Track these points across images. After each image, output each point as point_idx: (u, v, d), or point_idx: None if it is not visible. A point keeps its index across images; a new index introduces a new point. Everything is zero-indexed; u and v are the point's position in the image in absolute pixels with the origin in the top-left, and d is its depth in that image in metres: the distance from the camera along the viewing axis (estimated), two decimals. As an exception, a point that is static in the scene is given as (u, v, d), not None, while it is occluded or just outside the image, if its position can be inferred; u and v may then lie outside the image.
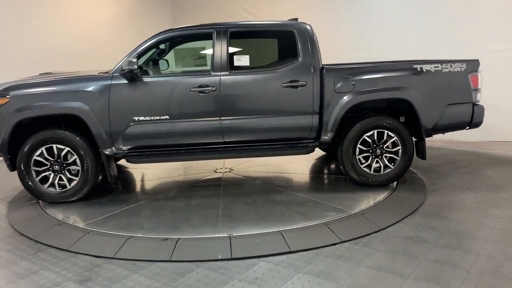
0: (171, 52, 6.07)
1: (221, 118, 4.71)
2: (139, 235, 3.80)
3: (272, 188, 4.99)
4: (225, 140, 4.82)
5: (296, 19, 5.18)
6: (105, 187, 5.27)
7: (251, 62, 4.81)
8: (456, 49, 6.82)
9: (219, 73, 4.70)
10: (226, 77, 4.70)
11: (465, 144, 7.18)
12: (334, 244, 3.56)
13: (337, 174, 5.60)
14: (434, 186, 5.10)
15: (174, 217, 4.20)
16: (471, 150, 6.91)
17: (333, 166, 6.11)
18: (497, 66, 6.55)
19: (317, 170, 6.02)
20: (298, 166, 6.00)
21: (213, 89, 4.65)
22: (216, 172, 5.76)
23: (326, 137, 4.88)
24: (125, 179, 5.89)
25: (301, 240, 3.61)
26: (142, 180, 5.79)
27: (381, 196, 4.65)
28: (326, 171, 6.04)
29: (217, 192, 4.92)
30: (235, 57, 4.78)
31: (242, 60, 4.77)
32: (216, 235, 3.74)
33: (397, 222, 4.01)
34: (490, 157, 6.46)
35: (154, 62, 5.54)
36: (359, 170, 4.92)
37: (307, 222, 3.95)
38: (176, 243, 3.59)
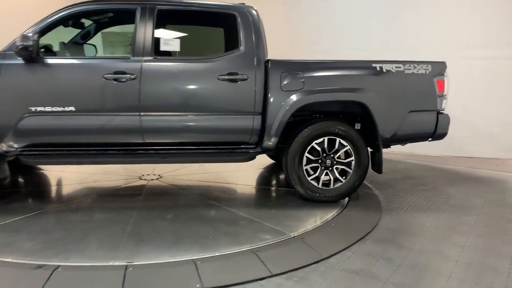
0: (99, 37, 5.18)
1: (141, 113, 3.86)
2: (9, 259, 2.88)
3: (204, 202, 4.16)
4: (146, 141, 3.96)
5: (242, 4, 4.40)
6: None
7: (183, 48, 4.00)
8: (421, 54, 6.27)
9: (140, 58, 3.86)
10: (149, 64, 3.86)
11: (427, 158, 6.62)
12: (261, 279, 2.76)
13: (285, 187, 4.82)
14: (391, 204, 4.43)
15: (66, 236, 3.30)
16: (433, 165, 6.34)
17: (282, 176, 5.35)
18: (462, 74, 6.03)
19: (263, 181, 5.25)
20: (241, 176, 5.21)
21: (132, 77, 3.80)
22: (141, 179, 4.88)
23: (270, 142, 4.12)
24: (33, 182, 4.91)
25: (219, 273, 2.79)
26: (52, 185, 4.83)
27: (328, 215, 3.92)
28: (274, 182, 5.27)
29: (134, 204, 4.05)
30: (161, 40, 3.94)
31: (171, 45, 3.95)
32: (111, 263, 2.87)
33: (344, 249, 3.26)
34: (453, 174, 5.89)
35: (75, 45, 4.66)
36: (305, 183, 4.18)
37: (233, 248, 3.14)
38: (51, 273, 2.69)
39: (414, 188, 5.10)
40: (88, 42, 4.97)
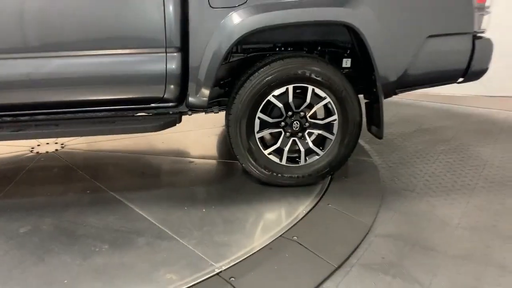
0: None
1: (-33, 58, 2.25)
2: None
3: (100, 195, 2.63)
4: (-13, 104, 2.39)
5: None
6: None
7: None
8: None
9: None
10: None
11: (448, 99, 4.95)
12: None
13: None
14: (397, 182, 2.92)
15: None
16: (456, 110, 4.70)
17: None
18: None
19: (213, 151, 3.62)
20: (184, 141, 3.65)
21: None
22: (32, 151, 3.36)
23: (200, 97, 2.53)
24: None
25: None
26: None
27: (295, 213, 2.42)
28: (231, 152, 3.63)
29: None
30: None
31: None
32: None
33: (307, 298, 1.80)
34: (486, 122, 4.26)
35: None
36: (260, 160, 2.64)
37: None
38: None
39: (431, 148, 3.54)
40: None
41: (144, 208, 2.45)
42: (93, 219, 2.34)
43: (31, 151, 3.35)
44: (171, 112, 2.63)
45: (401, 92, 2.77)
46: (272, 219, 2.39)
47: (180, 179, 2.93)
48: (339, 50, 2.83)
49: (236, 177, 2.92)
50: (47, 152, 3.33)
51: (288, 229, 2.24)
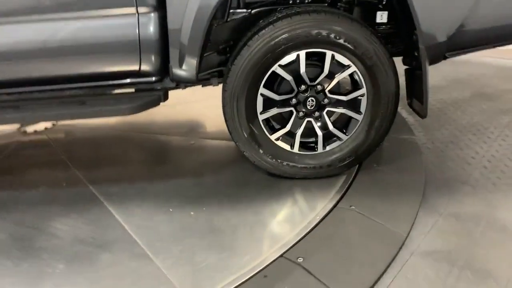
0: None
1: None
2: None
3: (75, 191, 2.18)
4: None
5: None
6: None
7: None
8: None
9: None
10: None
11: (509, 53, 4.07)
12: None
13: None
14: (445, 169, 2.30)
15: None
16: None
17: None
18: None
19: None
20: (190, 115, 3.14)
21: None
22: (20, 129, 2.97)
23: (190, 69, 2.00)
24: None
25: None
26: None
27: (307, 219, 1.88)
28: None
29: None
30: None
31: None
32: None
33: None
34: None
35: None
36: (266, 146, 2.09)
37: None
38: None
39: (492, 120, 2.84)
40: None
41: (122, 209, 2.00)
42: (59, 224, 1.93)
43: (19, 129, 2.97)
44: (159, 88, 2.11)
45: (454, 56, 2.09)
46: (274, 230, 1.88)
47: (173, 166, 2.44)
48: (372, 0, 2.16)
49: (242, 163, 2.37)
50: (35, 131, 2.93)
51: (292, 245, 1.71)
